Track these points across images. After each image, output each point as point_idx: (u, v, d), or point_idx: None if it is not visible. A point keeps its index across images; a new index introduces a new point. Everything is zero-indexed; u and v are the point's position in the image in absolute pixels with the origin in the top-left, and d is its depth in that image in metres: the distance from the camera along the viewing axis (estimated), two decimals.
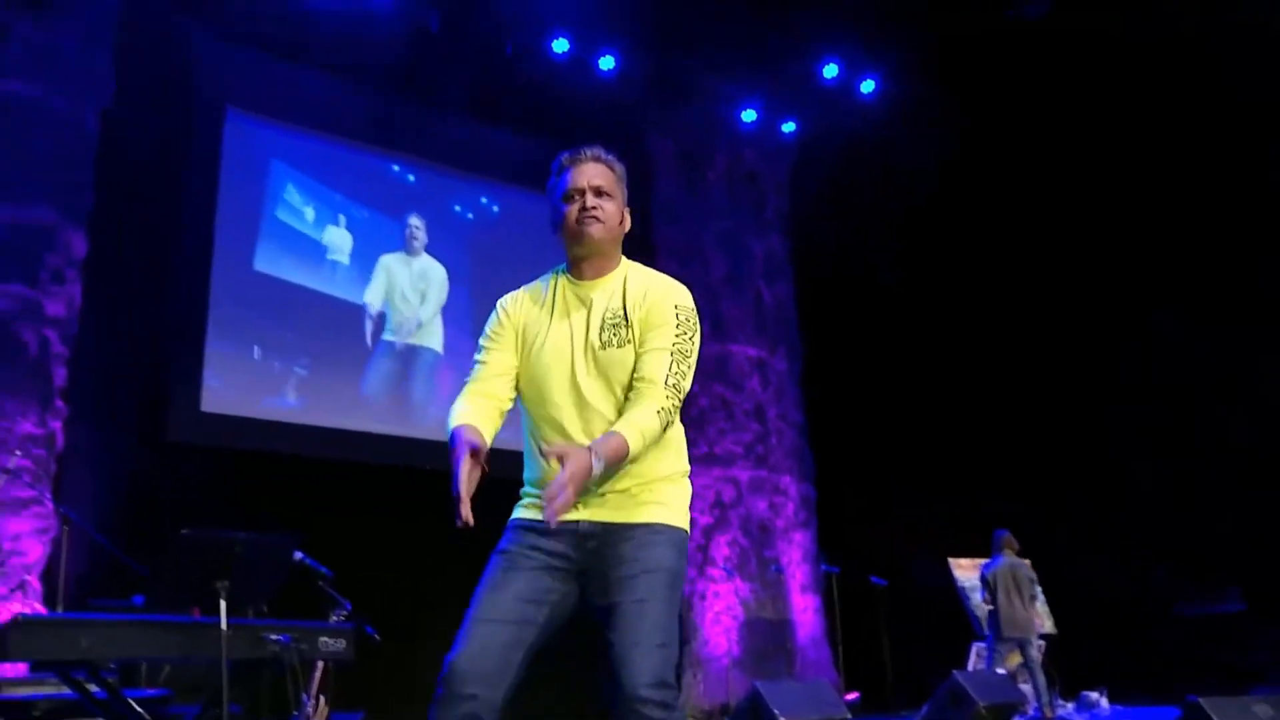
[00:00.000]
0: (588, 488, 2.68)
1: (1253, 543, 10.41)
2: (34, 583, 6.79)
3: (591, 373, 2.84)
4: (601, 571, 2.75)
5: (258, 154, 8.96)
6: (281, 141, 9.12)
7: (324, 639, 4.41)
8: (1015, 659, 9.34)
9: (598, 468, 2.58)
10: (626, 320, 2.86)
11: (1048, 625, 9.01)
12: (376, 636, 4.92)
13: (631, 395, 2.81)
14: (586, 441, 2.72)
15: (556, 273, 3.01)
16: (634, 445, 2.66)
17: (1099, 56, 10.32)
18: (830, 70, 10.73)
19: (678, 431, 2.91)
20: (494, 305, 3.01)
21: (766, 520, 10.68)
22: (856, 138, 11.04)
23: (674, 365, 2.80)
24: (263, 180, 8.95)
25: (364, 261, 9.26)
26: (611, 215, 2.93)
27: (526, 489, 2.92)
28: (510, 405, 2.95)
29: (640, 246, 11.23)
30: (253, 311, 8.61)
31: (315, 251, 9.04)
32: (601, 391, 2.84)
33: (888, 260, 11.46)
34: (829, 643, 10.53)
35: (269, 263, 8.80)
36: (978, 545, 10.10)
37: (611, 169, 2.98)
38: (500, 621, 2.68)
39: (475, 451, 2.67)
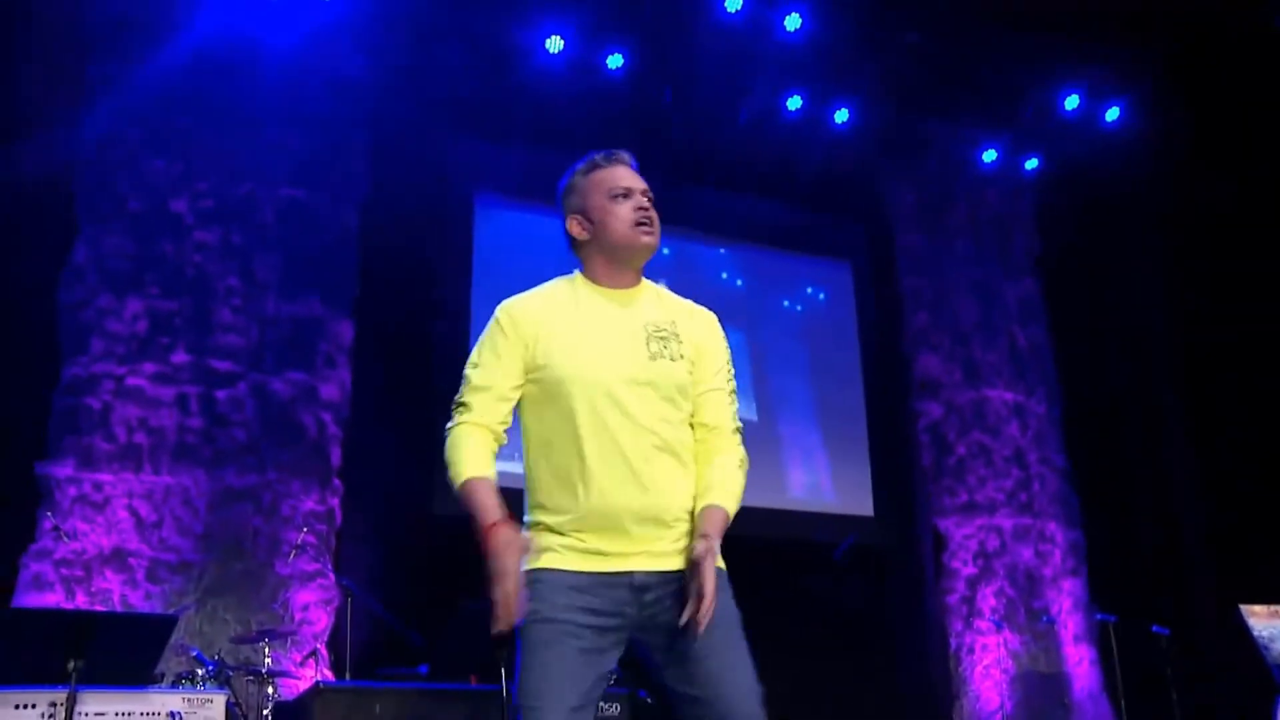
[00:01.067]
0: (629, 530, 2.52)
1: None
2: (324, 651, 7.19)
3: (638, 384, 2.58)
4: (666, 622, 2.50)
5: (508, 242, 9.18)
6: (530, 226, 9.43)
7: (600, 704, 4.47)
8: None
9: (718, 553, 2.50)
10: (678, 336, 2.66)
11: None
12: (650, 700, 4.96)
13: (698, 441, 2.66)
14: (636, 460, 2.52)
15: (571, 278, 2.78)
16: (733, 513, 2.60)
17: None
18: (1071, 101, 10.35)
19: None
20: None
21: (1033, 569, 10.24)
22: (1104, 169, 10.60)
23: (733, 406, 2.72)
24: (524, 269, 9.20)
25: None
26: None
27: (552, 524, 2.57)
28: (505, 432, 2.68)
29: (889, 298, 10.98)
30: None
31: None
32: (650, 406, 2.58)
33: (1147, 293, 10.93)
34: (1109, 697, 9.98)
35: None
36: (1272, 591, 9.38)
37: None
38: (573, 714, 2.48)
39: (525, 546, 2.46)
